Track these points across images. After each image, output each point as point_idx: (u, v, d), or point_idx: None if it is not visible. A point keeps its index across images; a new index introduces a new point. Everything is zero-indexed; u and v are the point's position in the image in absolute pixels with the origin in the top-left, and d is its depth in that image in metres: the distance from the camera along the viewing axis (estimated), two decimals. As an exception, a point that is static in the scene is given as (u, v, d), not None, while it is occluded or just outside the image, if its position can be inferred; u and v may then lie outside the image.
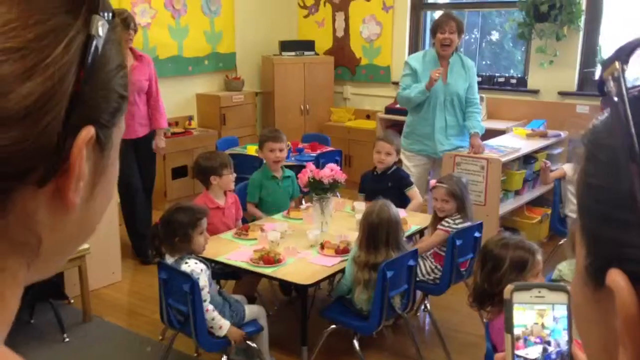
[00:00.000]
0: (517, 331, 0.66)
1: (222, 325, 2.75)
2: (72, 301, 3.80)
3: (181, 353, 3.25)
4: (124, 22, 4.09)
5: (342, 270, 3.02)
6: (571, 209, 4.30)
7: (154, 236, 2.90)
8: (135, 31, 4.24)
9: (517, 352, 0.66)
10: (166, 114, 4.63)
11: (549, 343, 0.66)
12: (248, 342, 2.93)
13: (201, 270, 2.74)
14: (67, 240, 0.49)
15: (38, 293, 3.30)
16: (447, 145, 4.40)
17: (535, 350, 0.66)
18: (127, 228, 4.53)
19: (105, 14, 0.45)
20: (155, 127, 4.47)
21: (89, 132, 0.44)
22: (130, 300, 4.00)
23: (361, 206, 3.53)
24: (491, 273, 2.22)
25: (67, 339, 3.42)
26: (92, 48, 0.44)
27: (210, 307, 2.74)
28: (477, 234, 3.37)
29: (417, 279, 3.16)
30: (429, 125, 4.34)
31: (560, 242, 4.42)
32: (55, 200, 0.44)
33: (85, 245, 3.54)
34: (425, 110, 4.33)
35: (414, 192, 3.89)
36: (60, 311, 3.51)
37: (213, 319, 2.73)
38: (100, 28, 0.44)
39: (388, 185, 3.83)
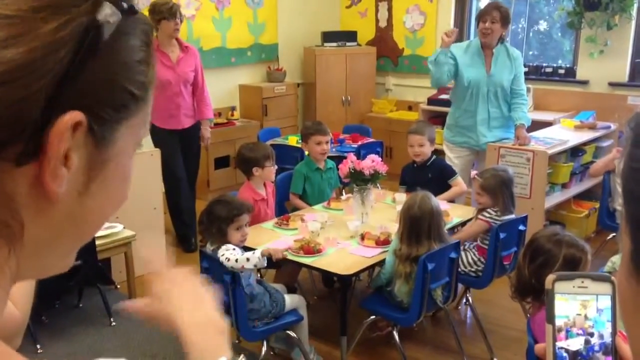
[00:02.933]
0: (558, 322, 0.64)
1: (253, 254, 2.70)
2: (118, 286, 3.91)
3: (222, 340, 3.30)
4: (169, 10, 4.18)
5: (383, 262, 3.00)
6: (620, 203, 4.16)
7: (201, 222, 2.94)
8: (181, 21, 4.32)
9: (559, 344, 0.64)
10: (212, 104, 4.69)
11: (591, 335, 0.64)
12: (288, 331, 2.95)
13: (233, 247, 2.76)
14: (57, 234, 0.47)
15: (86, 278, 3.40)
16: (490, 137, 4.31)
17: (577, 342, 0.64)
18: (172, 217, 4.62)
19: (122, 4, 0.45)
20: (200, 118, 4.53)
21: (74, 116, 0.43)
22: (174, 287, 4.09)
23: (402, 197, 3.51)
24: (541, 268, 2.15)
25: (113, 323, 3.52)
26: (94, 33, 0.43)
27: (236, 253, 2.73)
28: (521, 227, 3.30)
29: (459, 269, 3.12)
30: (471, 117, 4.27)
31: (609, 237, 4.29)
32: (38, 185, 0.43)
33: (131, 233, 3.63)
34: (467, 102, 4.26)
35: (459, 181, 3.82)
36: (107, 296, 3.61)
37: (237, 260, 2.69)
38: (110, 16, 0.43)
39: (428, 176, 3.78)
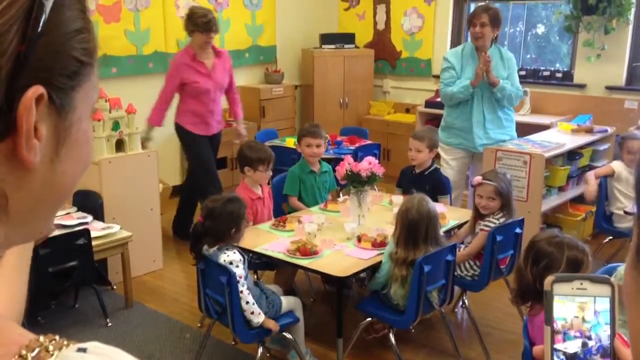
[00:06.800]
0: (556, 324, 0.64)
1: (260, 312, 2.77)
2: (114, 287, 3.90)
3: (219, 341, 3.30)
4: (205, 25, 4.17)
5: (379, 264, 3.00)
6: (618, 207, 4.18)
7: (198, 235, 2.83)
8: (217, 32, 4.33)
9: (556, 346, 0.64)
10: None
11: (589, 337, 0.64)
12: (284, 333, 2.95)
13: (240, 259, 2.77)
14: (37, 201, 0.51)
15: (82, 279, 3.40)
16: (485, 139, 4.32)
17: (575, 345, 0.64)
18: (188, 207, 4.68)
19: None
20: (236, 118, 4.70)
21: (35, 91, 0.45)
22: (171, 287, 4.09)
23: (399, 200, 3.50)
24: (545, 271, 2.15)
25: (109, 324, 3.51)
26: (37, 9, 0.44)
27: (250, 297, 2.76)
28: (518, 230, 3.31)
29: (455, 273, 3.12)
30: (467, 119, 4.27)
31: (605, 241, 4.30)
32: (14, 159, 0.46)
33: (128, 233, 3.63)
34: (463, 104, 4.26)
35: (445, 202, 3.79)
36: (103, 297, 3.61)
37: (253, 304, 2.75)
38: None
39: (426, 188, 3.73)
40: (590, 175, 4.21)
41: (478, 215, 3.38)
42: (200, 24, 4.15)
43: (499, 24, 4.16)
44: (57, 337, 0.48)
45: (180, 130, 4.49)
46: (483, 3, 4.35)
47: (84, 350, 0.48)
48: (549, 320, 0.64)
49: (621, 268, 2.55)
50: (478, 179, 3.39)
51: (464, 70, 4.22)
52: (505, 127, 4.35)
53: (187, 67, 4.29)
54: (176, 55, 4.46)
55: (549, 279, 0.65)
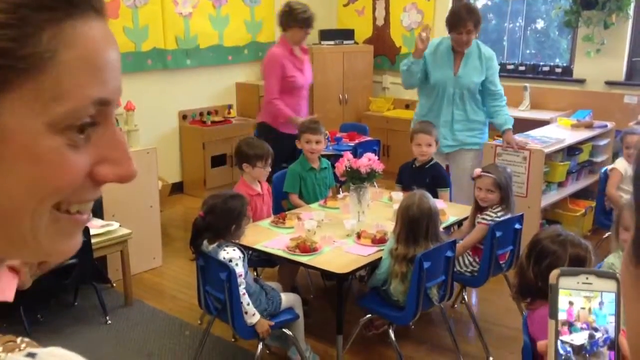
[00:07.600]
0: (562, 316, 0.64)
1: (255, 313, 2.78)
2: (114, 285, 3.90)
3: (219, 338, 3.30)
4: (306, 21, 4.13)
5: (379, 260, 3.00)
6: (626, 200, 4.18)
7: (198, 229, 2.83)
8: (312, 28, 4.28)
9: (562, 338, 0.63)
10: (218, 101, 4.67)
11: (596, 329, 0.63)
12: (284, 329, 2.95)
13: (239, 257, 2.76)
14: None
15: (82, 277, 3.40)
16: (451, 141, 4.18)
17: (581, 337, 0.63)
18: None
19: None
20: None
21: None
22: (170, 285, 4.09)
23: (399, 196, 3.50)
24: (548, 270, 2.14)
25: (109, 322, 3.51)
26: None
27: (246, 297, 2.76)
28: (517, 226, 3.30)
29: (455, 269, 3.11)
30: (435, 118, 4.14)
31: (605, 236, 4.30)
32: None
33: (128, 231, 3.63)
34: (433, 102, 4.17)
35: (445, 196, 3.79)
36: (103, 294, 3.61)
37: (249, 304, 2.76)
38: None
39: (426, 181, 3.73)
40: (616, 195, 4.12)
41: (477, 209, 3.39)
42: (301, 19, 4.11)
43: (480, 24, 4.04)
44: (17, 339, 0.47)
45: (266, 129, 4.26)
46: (462, 2, 4.24)
47: (33, 355, 0.46)
48: (554, 314, 0.64)
49: (608, 259, 2.55)
50: (477, 171, 3.40)
51: (434, 68, 4.10)
52: (475, 129, 4.20)
53: (287, 61, 4.20)
54: (272, 49, 4.32)
55: (555, 272, 0.65)
